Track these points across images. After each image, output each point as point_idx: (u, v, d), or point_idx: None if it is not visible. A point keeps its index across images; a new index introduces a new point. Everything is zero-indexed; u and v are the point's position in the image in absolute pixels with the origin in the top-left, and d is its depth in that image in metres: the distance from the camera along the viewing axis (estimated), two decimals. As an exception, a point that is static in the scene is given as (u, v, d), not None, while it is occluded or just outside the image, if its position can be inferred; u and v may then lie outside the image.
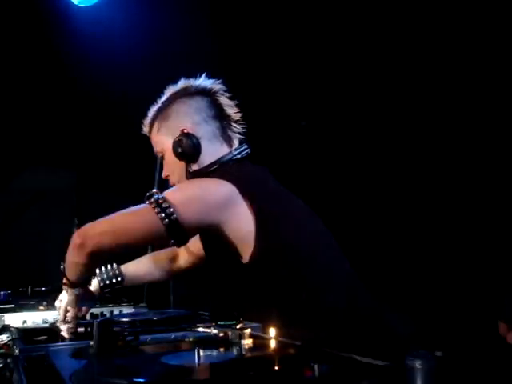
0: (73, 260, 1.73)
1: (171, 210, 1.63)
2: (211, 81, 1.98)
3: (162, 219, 1.63)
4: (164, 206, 1.63)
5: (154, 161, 3.56)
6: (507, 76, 2.80)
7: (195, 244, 2.04)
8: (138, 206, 1.72)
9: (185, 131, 1.89)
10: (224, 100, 1.96)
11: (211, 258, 1.92)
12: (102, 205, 3.73)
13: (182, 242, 1.73)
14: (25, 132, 3.55)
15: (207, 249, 1.93)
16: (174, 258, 2.33)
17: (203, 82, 1.97)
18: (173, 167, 1.95)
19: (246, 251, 1.70)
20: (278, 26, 3.46)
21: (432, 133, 3.16)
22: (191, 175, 1.89)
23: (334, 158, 3.52)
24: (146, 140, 3.55)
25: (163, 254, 2.33)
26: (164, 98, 1.99)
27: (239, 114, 1.97)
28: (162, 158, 1.99)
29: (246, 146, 1.94)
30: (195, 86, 1.97)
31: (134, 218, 1.72)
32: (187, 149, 1.87)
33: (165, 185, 3.11)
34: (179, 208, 1.64)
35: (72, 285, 1.79)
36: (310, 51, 3.48)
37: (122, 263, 2.16)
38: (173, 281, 3.04)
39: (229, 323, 1.64)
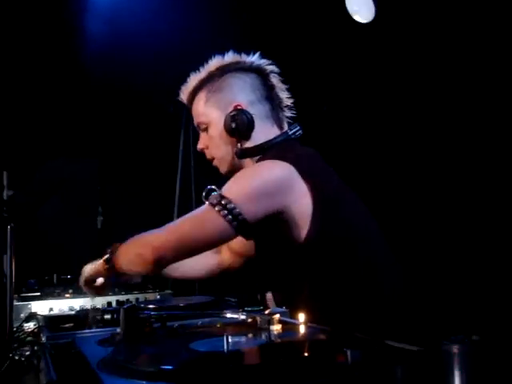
0: (133, 262, 1.71)
1: (237, 210, 1.58)
2: (265, 60, 1.94)
3: (231, 222, 1.59)
4: (229, 207, 1.58)
5: (176, 148, 3.58)
6: (507, 76, 2.75)
7: (239, 243, 2.00)
8: (201, 211, 1.66)
9: (239, 107, 1.85)
10: (277, 82, 1.93)
11: (264, 239, 1.85)
12: (125, 193, 3.78)
13: (251, 236, 1.72)
14: (46, 123, 3.54)
15: (261, 231, 1.82)
16: (218, 257, 2.29)
17: (257, 60, 1.93)
18: (218, 141, 1.90)
19: (302, 233, 1.66)
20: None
21: (443, 133, 3.11)
22: (241, 152, 1.85)
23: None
24: (168, 127, 3.57)
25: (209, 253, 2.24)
26: (212, 69, 1.93)
27: (291, 100, 1.94)
28: (204, 129, 1.95)
29: (298, 127, 1.90)
30: (250, 62, 1.92)
31: (199, 225, 1.67)
32: (241, 125, 1.82)
33: (187, 173, 3.09)
34: (244, 206, 1.60)
35: (112, 269, 1.78)
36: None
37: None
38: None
39: (256, 309, 1.62)
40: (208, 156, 1.95)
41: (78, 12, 3.29)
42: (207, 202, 1.63)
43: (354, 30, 3.29)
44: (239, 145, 1.85)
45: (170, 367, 1.02)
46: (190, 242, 1.67)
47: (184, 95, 1.98)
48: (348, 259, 1.65)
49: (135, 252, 1.69)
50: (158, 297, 2.32)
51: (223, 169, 1.92)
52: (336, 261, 1.65)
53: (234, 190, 1.65)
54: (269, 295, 1.76)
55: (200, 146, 1.96)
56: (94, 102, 3.61)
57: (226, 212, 1.58)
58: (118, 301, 2.14)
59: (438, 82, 3.10)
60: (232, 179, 1.72)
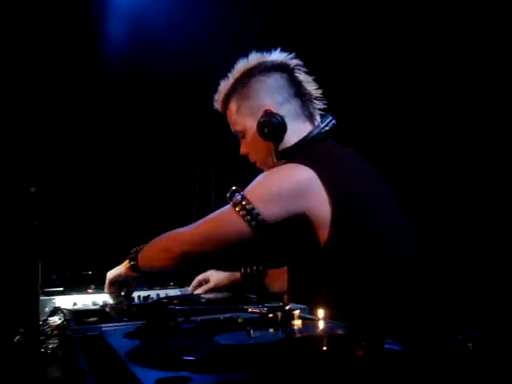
0: (156, 260, 1.80)
1: (256, 211, 1.64)
2: (286, 55, 1.95)
3: (249, 222, 1.65)
4: (248, 207, 1.64)
5: (196, 148, 3.61)
6: (507, 76, 2.76)
7: None
8: (222, 211, 1.73)
9: (268, 111, 1.87)
10: (303, 76, 1.94)
11: (285, 240, 1.89)
12: (145, 193, 3.80)
13: (271, 237, 1.75)
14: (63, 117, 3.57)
15: (284, 233, 1.91)
16: None
17: (278, 56, 1.94)
18: (255, 146, 1.95)
19: (321, 236, 1.69)
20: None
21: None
22: (278, 155, 1.88)
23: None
24: (188, 126, 3.59)
25: None
26: (237, 75, 1.96)
27: (319, 90, 1.94)
28: (242, 137, 1.99)
29: (331, 118, 1.91)
30: (271, 62, 1.93)
31: (220, 223, 1.75)
32: (273, 129, 1.85)
33: (207, 174, 3.11)
34: (263, 207, 1.66)
35: (136, 270, 1.86)
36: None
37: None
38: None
39: (275, 305, 1.66)
40: (251, 160, 2.01)
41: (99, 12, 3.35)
42: (230, 202, 1.68)
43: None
44: (276, 147, 1.88)
45: (194, 358, 1.06)
46: (213, 239, 1.74)
47: (217, 105, 2.03)
48: (368, 261, 1.67)
49: (161, 247, 1.77)
50: (179, 292, 2.37)
51: (266, 170, 1.95)
52: (356, 263, 1.67)
53: (254, 191, 1.70)
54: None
55: (242, 151, 2.01)
56: (113, 98, 3.64)
57: (245, 212, 1.63)
58: (139, 296, 2.19)
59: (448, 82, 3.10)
60: (255, 180, 1.76)
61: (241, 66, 1.95)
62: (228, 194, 1.72)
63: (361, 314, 1.59)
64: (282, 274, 2.07)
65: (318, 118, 1.92)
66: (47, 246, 3.37)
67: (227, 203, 1.72)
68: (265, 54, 1.95)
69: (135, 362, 1.10)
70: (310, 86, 1.93)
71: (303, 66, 1.94)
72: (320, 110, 1.94)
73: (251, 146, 1.95)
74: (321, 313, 1.35)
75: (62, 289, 2.39)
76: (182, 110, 3.62)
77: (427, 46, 3.20)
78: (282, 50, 1.95)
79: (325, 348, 1.10)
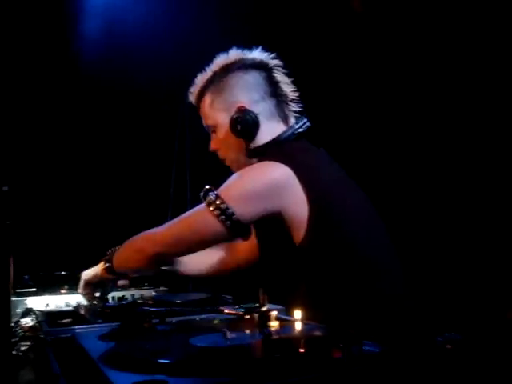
0: (131, 261, 1.78)
1: (230, 210, 1.62)
2: (266, 54, 1.92)
3: (224, 221, 1.62)
4: (222, 207, 1.61)
5: (171, 145, 3.58)
6: (507, 76, 2.77)
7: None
8: (196, 210, 1.70)
9: (242, 108, 1.85)
10: (281, 77, 1.91)
11: (263, 240, 1.88)
12: (120, 192, 3.76)
13: (245, 236, 1.72)
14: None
15: (260, 232, 1.88)
16: (230, 255, 2.31)
17: (259, 55, 1.91)
18: (226, 143, 1.91)
19: (298, 235, 1.67)
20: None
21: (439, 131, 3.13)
22: (250, 153, 1.86)
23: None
24: (164, 125, 3.56)
25: (221, 249, 2.30)
26: (216, 69, 1.93)
27: (296, 93, 1.92)
28: (213, 132, 1.96)
29: (306, 120, 1.89)
30: (251, 59, 1.90)
31: (194, 223, 1.72)
32: (246, 127, 1.83)
33: (182, 173, 3.09)
34: (238, 206, 1.63)
35: (111, 272, 1.84)
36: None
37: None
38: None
39: (252, 306, 1.65)
40: (220, 157, 1.97)
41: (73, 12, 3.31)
42: (204, 202, 1.66)
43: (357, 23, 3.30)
44: (247, 145, 1.86)
45: (170, 361, 1.04)
46: (187, 240, 1.72)
47: (192, 97, 1.98)
48: (344, 262, 1.65)
49: (134, 248, 1.75)
50: (154, 293, 2.34)
51: (235, 168, 1.92)
52: (332, 263, 1.65)
53: (229, 190, 1.67)
54: None
55: (212, 147, 1.98)
56: (89, 100, 3.60)
57: (219, 212, 1.61)
58: (113, 297, 2.16)
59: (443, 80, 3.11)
60: (229, 179, 1.74)
61: (220, 60, 1.92)
62: (202, 193, 1.68)
63: (338, 315, 1.58)
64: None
65: (292, 119, 1.90)
66: (20, 245, 3.33)
67: (201, 202, 1.69)
68: (245, 51, 1.92)
69: (109, 365, 1.08)
70: (288, 87, 1.91)
71: (283, 67, 1.92)
72: (295, 112, 1.92)
73: (222, 142, 1.92)
74: (298, 314, 1.34)
75: (34, 289, 2.35)
76: (157, 111, 3.59)
77: (403, 47, 3.21)
78: (264, 50, 1.93)
79: (302, 350, 1.09)
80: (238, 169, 1.87)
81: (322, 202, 1.66)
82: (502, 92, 2.80)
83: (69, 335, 1.42)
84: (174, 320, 1.50)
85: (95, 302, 1.94)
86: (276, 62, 1.91)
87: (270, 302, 1.79)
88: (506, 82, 2.77)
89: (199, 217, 1.69)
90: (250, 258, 2.20)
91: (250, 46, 1.95)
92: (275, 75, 1.89)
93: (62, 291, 2.27)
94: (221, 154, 1.95)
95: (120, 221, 3.53)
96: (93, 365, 1.12)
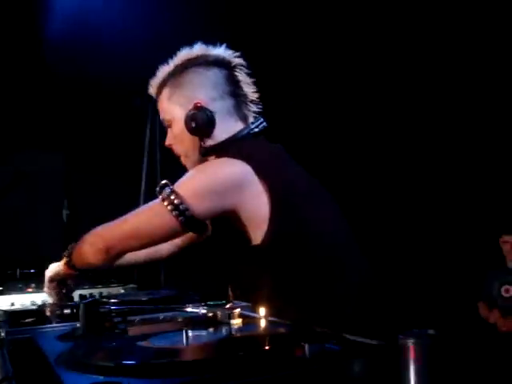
0: (87, 256, 1.75)
1: (184, 206, 1.59)
2: (230, 52, 1.89)
3: (177, 217, 1.59)
4: (176, 202, 1.59)
5: (142, 141, 3.55)
6: (507, 76, 2.78)
7: None
8: (151, 205, 1.68)
9: (199, 105, 1.81)
10: (242, 76, 1.88)
11: (220, 240, 1.86)
12: (91, 187, 3.74)
13: (201, 232, 1.70)
14: (10, 116, 3.50)
15: (217, 231, 1.87)
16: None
17: (222, 52, 1.88)
18: (181, 139, 1.87)
19: (259, 232, 1.65)
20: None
21: (433, 128, 3.13)
22: (204, 151, 1.83)
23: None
24: (135, 120, 3.53)
25: None
26: (178, 62, 1.89)
27: (256, 94, 1.90)
28: (169, 126, 1.93)
29: (262, 120, 1.87)
30: (214, 56, 1.87)
31: (149, 218, 1.69)
32: (201, 124, 1.79)
33: (153, 167, 3.07)
34: (192, 202, 1.60)
35: (72, 267, 1.81)
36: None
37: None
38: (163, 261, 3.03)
39: (218, 303, 1.62)
40: (175, 153, 1.94)
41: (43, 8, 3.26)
42: (159, 197, 1.63)
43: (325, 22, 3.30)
44: (202, 143, 1.83)
45: (127, 362, 1.01)
46: (139, 235, 1.70)
47: (152, 89, 1.94)
48: (307, 258, 1.64)
49: (89, 242, 1.74)
50: (122, 291, 2.31)
51: (189, 166, 1.90)
52: (294, 260, 1.64)
53: (184, 186, 1.65)
54: None
55: (167, 142, 1.94)
56: (60, 96, 3.56)
57: (172, 207, 1.58)
58: (80, 295, 2.12)
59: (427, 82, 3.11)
60: (185, 175, 1.71)
61: (183, 54, 1.89)
62: (157, 188, 1.66)
63: (301, 312, 1.56)
64: None
65: (251, 119, 1.87)
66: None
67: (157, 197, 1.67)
68: (210, 47, 1.89)
69: (65, 367, 1.05)
70: (248, 87, 1.88)
71: (245, 67, 1.89)
72: (254, 112, 1.89)
73: (177, 138, 1.89)
74: (262, 311, 1.31)
75: (0, 288, 2.30)
76: (127, 107, 3.54)
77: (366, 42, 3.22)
78: (229, 48, 1.90)
79: (264, 348, 1.07)
80: (192, 166, 1.85)
81: (283, 197, 1.64)
82: (501, 92, 2.80)
83: (28, 335, 1.38)
84: (137, 319, 1.47)
85: (60, 300, 1.90)
86: (239, 61, 1.88)
87: (238, 299, 1.78)
88: (505, 82, 2.77)
89: (153, 211, 1.67)
90: (185, 244, 2.22)
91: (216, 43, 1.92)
92: (237, 74, 1.87)
93: (29, 290, 2.22)
94: (176, 149, 1.92)
95: (92, 216, 3.50)
96: (48, 367, 1.08)
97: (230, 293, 1.80)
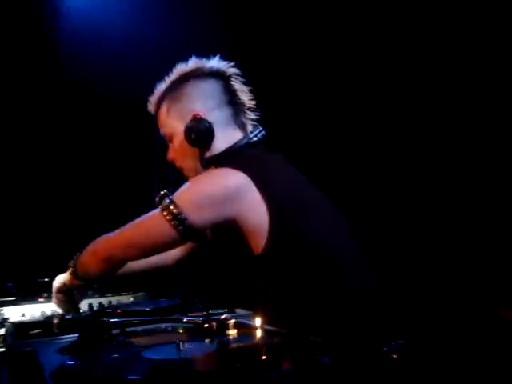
0: (88, 265, 1.77)
1: (183, 215, 1.60)
2: (225, 63, 1.90)
3: (176, 226, 1.61)
4: (175, 212, 1.60)
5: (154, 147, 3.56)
6: (507, 76, 2.75)
7: None
8: (151, 215, 1.69)
9: (197, 116, 1.82)
10: (238, 85, 1.89)
11: (221, 249, 1.88)
12: (105, 195, 3.76)
13: (201, 241, 1.71)
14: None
15: (218, 241, 1.88)
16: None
17: (217, 63, 1.89)
18: (182, 151, 1.88)
19: (259, 242, 1.65)
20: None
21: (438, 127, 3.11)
22: (205, 161, 1.84)
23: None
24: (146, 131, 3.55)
25: None
26: (174, 78, 1.91)
27: (253, 102, 1.91)
28: (170, 140, 1.94)
29: (261, 129, 1.88)
30: (208, 68, 1.89)
31: (148, 228, 1.71)
32: (200, 135, 1.80)
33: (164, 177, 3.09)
34: (191, 212, 1.61)
35: (77, 278, 1.84)
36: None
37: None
38: (178, 269, 3.04)
39: (220, 311, 1.63)
40: (177, 167, 1.95)
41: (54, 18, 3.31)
42: (159, 207, 1.65)
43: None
44: (202, 154, 1.84)
45: (119, 376, 1.03)
46: (140, 244, 1.72)
47: (151, 106, 1.97)
48: (307, 268, 1.63)
49: (91, 251, 1.77)
50: (132, 299, 2.32)
51: (191, 178, 1.91)
52: (294, 270, 1.63)
53: (182, 196, 1.66)
54: None
55: (169, 156, 1.96)
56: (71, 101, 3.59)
57: (171, 217, 1.60)
58: (89, 304, 2.14)
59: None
60: (184, 185, 1.72)
61: (178, 69, 1.91)
62: (157, 199, 1.67)
63: (301, 321, 1.56)
64: None
65: (249, 127, 1.88)
66: (4, 253, 3.32)
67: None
68: (204, 60, 1.91)
69: (57, 382, 1.06)
70: (245, 96, 1.89)
71: (241, 76, 1.91)
72: (252, 120, 1.90)
73: (178, 152, 1.90)
74: (258, 320, 1.31)
75: (13, 298, 2.33)
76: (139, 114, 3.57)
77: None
78: (222, 58, 1.92)
79: (252, 360, 1.07)
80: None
81: (282, 207, 1.64)
82: (501, 91, 2.78)
83: (30, 349, 1.40)
84: (140, 329, 1.49)
85: (68, 311, 1.92)
86: (234, 70, 1.89)
87: (242, 307, 1.78)
88: (505, 82, 2.75)
89: (153, 221, 1.68)
90: (191, 250, 2.21)
91: (215, 54, 1.94)
92: (232, 83, 1.88)
93: (40, 299, 2.24)
94: (178, 163, 1.93)
95: (104, 223, 3.52)
96: (43, 381, 1.10)
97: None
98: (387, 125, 3.24)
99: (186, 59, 1.95)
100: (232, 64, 1.90)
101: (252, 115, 1.89)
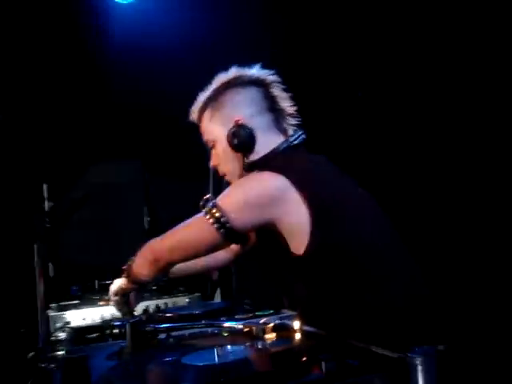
0: (140, 267, 1.83)
1: (225, 218, 1.64)
2: (265, 71, 1.93)
3: (218, 229, 1.64)
4: (217, 215, 1.64)
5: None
6: (507, 76, 2.68)
7: None
8: (194, 219, 1.73)
9: (239, 122, 1.85)
10: (278, 92, 1.92)
11: (264, 251, 1.91)
12: (169, 193, 3.84)
13: (242, 243, 1.75)
14: (83, 128, 3.65)
15: (261, 243, 1.92)
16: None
17: (257, 71, 1.93)
18: (225, 157, 1.93)
19: (301, 244, 1.65)
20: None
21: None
22: (247, 166, 1.88)
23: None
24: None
25: None
26: (215, 86, 1.95)
27: (294, 108, 1.93)
28: (213, 147, 1.99)
29: (301, 132, 1.90)
30: (249, 76, 1.92)
31: (192, 231, 1.75)
32: (243, 140, 1.84)
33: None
34: (232, 215, 1.64)
35: (131, 281, 1.90)
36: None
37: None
38: (235, 270, 3.09)
39: (266, 313, 1.66)
40: (220, 173, 1.99)
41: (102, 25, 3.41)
42: (202, 210, 1.69)
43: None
44: (245, 159, 1.88)
45: None
46: (184, 246, 1.76)
47: (194, 115, 2.01)
48: (349, 271, 1.63)
49: (141, 256, 1.82)
50: (187, 300, 2.38)
51: (233, 183, 1.95)
52: (336, 272, 1.64)
53: (224, 199, 1.69)
54: None
55: (212, 163, 2.00)
56: (132, 104, 3.68)
57: (213, 220, 1.64)
58: (146, 306, 2.21)
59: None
60: (227, 189, 1.76)
61: (220, 77, 1.95)
62: (201, 203, 1.73)
63: (340, 324, 1.56)
64: None
65: (290, 132, 1.91)
66: (70, 255, 3.44)
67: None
68: (245, 68, 1.95)
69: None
70: (285, 102, 1.91)
71: (281, 83, 1.94)
72: (293, 126, 1.93)
73: (221, 157, 1.94)
74: (297, 323, 1.34)
75: (77, 302, 2.43)
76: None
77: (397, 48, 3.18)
78: (263, 67, 1.95)
79: (283, 365, 1.09)
80: None
81: (324, 208, 1.65)
82: (501, 90, 2.71)
83: (83, 354, 1.46)
84: (187, 333, 1.54)
85: (125, 314, 1.99)
86: (274, 78, 1.92)
87: (289, 309, 1.81)
88: (506, 82, 2.68)
89: (195, 224, 1.72)
90: (240, 251, 2.26)
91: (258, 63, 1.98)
92: (272, 90, 1.91)
93: (100, 303, 2.32)
94: (221, 169, 1.97)
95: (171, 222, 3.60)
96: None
97: (285, 302, 1.84)
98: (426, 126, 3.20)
99: (227, 65, 2.00)
100: (272, 72, 1.93)
101: (293, 121, 1.91)
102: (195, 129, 3.49)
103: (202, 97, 1.96)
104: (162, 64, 3.55)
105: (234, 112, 1.88)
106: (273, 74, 1.92)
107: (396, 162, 3.37)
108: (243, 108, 1.88)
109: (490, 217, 2.85)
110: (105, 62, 3.60)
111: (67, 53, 3.48)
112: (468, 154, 2.99)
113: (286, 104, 1.91)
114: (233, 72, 1.93)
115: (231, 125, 1.86)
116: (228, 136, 1.85)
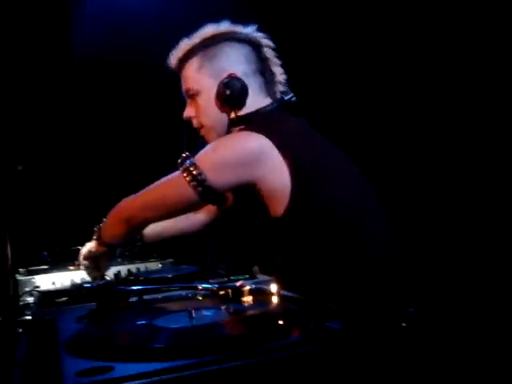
0: (112, 228, 1.79)
1: (203, 176, 1.60)
2: (261, 34, 1.91)
3: (195, 187, 1.61)
4: (195, 173, 1.60)
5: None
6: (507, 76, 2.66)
7: None
8: (171, 176, 1.70)
9: (233, 75, 1.82)
10: (271, 56, 1.90)
11: (242, 213, 1.88)
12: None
13: (219, 203, 1.71)
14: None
15: (238, 204, 1.89)
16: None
17: (254, 32, 1.90)
18: (207, 110, 1.88)
19: (280, 205, 1.64)
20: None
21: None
22: (230, 123, 1.84)
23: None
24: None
25: None
26: (206, 35, 1.89)
27: (285, 76, 1.92)
28: (192, 96, 1.93)
29: (290, 96, 1.89)
30: (245, 34, 1.89)
31: (168, 189, 1.71)
32: (235, 92, 1.80)
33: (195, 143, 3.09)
34: (211, 173, 1.61)
35: (103, 243, 1.85)
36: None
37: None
38: (209, 234, 3.05)
39: (241, 277, 1.62)
40: (196, 124, 1.93)
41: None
42: (180, 168, 1.64)
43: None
44: (230, 114, 1.83)
45: (120, 344, 1.03)
46: (157, 204, 1.73)
47: (173, 60, 1.94)
48: (327, 233, 1.61)
49: (114, 214, 1.78)
50: (160, 265, 2.34)
51: (211, 137, 1.89)
52: (314, 234, 1.62)
53: (203, 157, 1.65)
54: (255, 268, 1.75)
55: (187, 114, 1.93)
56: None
57: (191, 177, 1.60)
58: (118, 271, 2.16)
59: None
60: (205, 147, 1.71)
61: (210, 28, 1.89)
62: (179, 160, 1.67)
63: (318, 287, 1.54)
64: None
65: (278, 97, 1.88)
66: (39, 222, 3.37)
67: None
68: (239, 26, 1.90)
69: (70, 351, 1.06)
70: (277, 68, 1.90)
71: (275, 50, 1.90)
72: (282, 92, 1.90)
73: (202, 109, 1.88)
74: (274, 287, 1.30)
75: (46, 267, 2.37)
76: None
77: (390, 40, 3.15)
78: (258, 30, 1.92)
79: (261, 328, 1.05)
80: (213, 138, 1.84)
81: (305, 170, 1.62)
82: (502, 90, 2.70)
83: (51, 317, 1.41)
84: (160, 296, 1.49)
85: (95, 278, 1.94)
86: (268, 42, 1.89)
87: (263, 273, 1.77)
88: (506, 81, 2.66)
89: (173, 182, 1.68)
90: (217, 215, 2.25)
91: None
92: (266, 53, 1.89)
93: (71, 268, 2.27)
94: (198, 121, 1.91)
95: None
96: (56, 350, 1.10)
97: (255, 266, 1.79)
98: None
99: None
100: (266, 35, 1.89)
101: (282, 87, 1.88)
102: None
103: (187, 44, 1.89)
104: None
105: (228, 65, 1.84)
106: (267, 38, 1.89)
107: (391, 151, 3.35)
108: (238, 64, 1.84)
109: (489, 214, 2.84)
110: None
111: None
112: (466, 148, 2.98)
113: (278, 70, 1.88)
114: (225, 25, 1.88)
115: (223, 76, 1.81)
116: (219, 86, 1.81)
